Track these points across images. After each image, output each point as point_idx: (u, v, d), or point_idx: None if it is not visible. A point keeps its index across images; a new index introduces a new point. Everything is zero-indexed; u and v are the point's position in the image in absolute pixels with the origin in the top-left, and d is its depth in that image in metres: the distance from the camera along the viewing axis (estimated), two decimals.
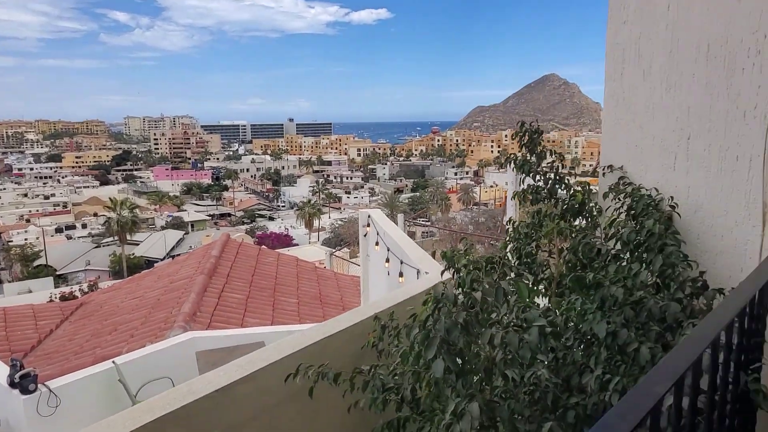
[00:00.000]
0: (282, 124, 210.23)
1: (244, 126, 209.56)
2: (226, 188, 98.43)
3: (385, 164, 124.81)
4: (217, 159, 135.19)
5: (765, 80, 2.25)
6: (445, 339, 1.54)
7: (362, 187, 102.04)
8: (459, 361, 1.88)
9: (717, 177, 2.48)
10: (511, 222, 3.39)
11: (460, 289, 1.83)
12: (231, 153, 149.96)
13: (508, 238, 3.42)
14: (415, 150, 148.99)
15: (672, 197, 2.66)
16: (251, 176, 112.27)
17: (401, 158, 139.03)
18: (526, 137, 3.35)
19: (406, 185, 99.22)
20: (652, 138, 2.83)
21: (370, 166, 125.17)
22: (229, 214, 78.65)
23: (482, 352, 1.80)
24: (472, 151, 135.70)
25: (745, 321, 1.84)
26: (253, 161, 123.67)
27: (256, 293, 8.51)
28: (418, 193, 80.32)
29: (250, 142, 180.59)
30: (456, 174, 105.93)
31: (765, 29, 2.24)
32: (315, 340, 2.94)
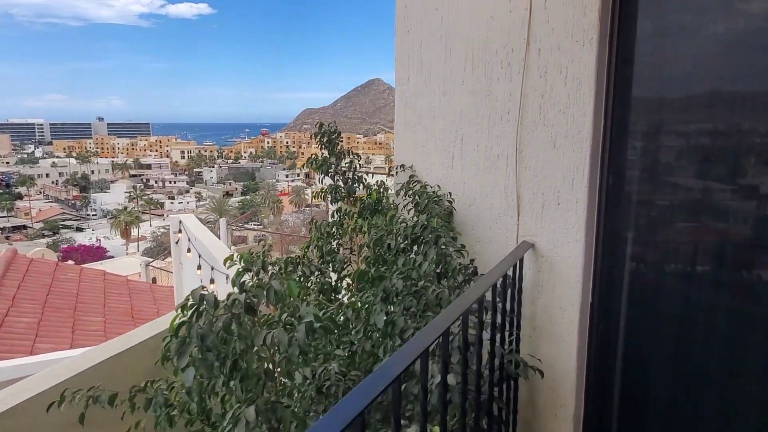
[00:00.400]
0: (90, 124, 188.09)
1: (41, 125, 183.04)
2: (19, 196, 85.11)
3: (213, 167, 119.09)
4: (7, 163, 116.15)
5: (514, 88, 2.58)
6: (201, 346, 1.48)
7: (188, 191, 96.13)
8: (244, 365, 1.83)
9: (484, 174, 2.78)
10: (313, 221, 3.44)
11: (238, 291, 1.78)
12: (25, 156, 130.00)
13: (312, 238, 3.46)
14: (245, 152, 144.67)
15: (450, 193, 2.93)
16: (53, 182, 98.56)
17: (230, 161, 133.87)
18: (325, 138, 3.42)
19: (236, 188, 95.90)
20: (434, 139, 3.07)
21: (195, 169, 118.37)
22: (25, 227, 68.22)
23: (262, 353, 1.77)
24: (302, 153, 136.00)
25: (497, 299, 2.08)
26: (54, 165, 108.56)
27: (51, 315, 7.48)
28: (248, 197, 78.12)
29: (50, 143, 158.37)
30: (287, 176, 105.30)
31: (512, 44, 2.57)
32: (97, 361, 2.65)
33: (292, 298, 2.68)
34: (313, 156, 3.50)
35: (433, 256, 2.39)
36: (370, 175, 4.03)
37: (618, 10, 2.24)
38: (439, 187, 3.01)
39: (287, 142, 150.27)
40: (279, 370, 2.19)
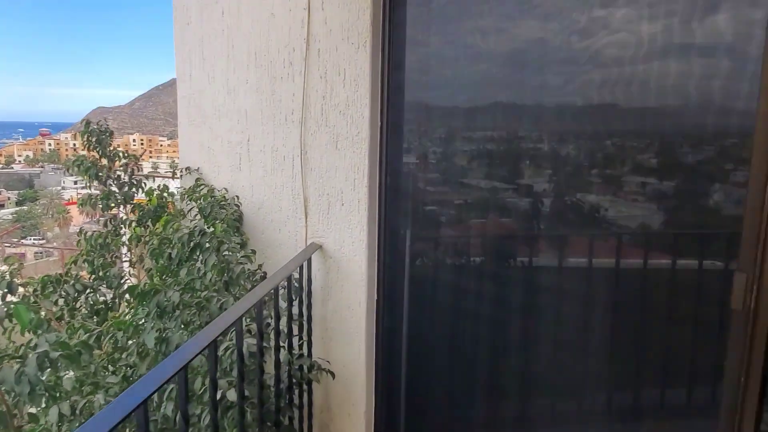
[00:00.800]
0: None
1: None
2: None
3: None
4: None
5: (297, 89, 2.55)
6: None
7: None
8: None
9: (272, 176, 2.71)
10: (82, 232, 3.01)
11: None
12: None
13: (82, 252, 3.02)
14: (19, 155, 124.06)
15: (238, 196, 2.79)
16: None
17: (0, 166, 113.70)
18: (94, 138, 3.02)
19: (9, 198, 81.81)
20: (221, 140, 2.90)
21: None
22: None
23: None
24: (97, 156, 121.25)
25: (282, 303, 2.01)
26: None
27: None
28: (26, 207, 67.13)
29: None
30: (76, 183, 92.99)
31: (293, 44, 2.53)
32: None
33: (52, 324, 2.29)
34: (80, 158, 3.05)
35: (215, 263, 2.24)
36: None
37: (388, 17, 2.34)
38: (226, 190, 2.85)
39: (74, 145, 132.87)
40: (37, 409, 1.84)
